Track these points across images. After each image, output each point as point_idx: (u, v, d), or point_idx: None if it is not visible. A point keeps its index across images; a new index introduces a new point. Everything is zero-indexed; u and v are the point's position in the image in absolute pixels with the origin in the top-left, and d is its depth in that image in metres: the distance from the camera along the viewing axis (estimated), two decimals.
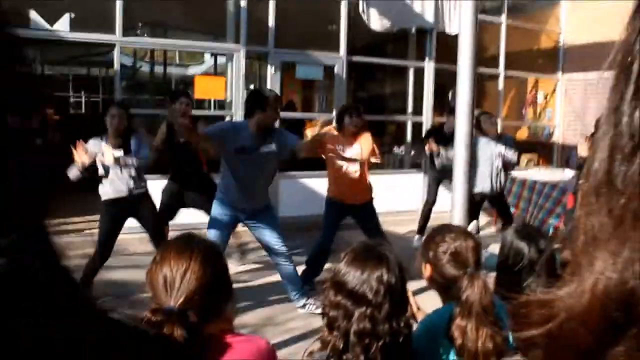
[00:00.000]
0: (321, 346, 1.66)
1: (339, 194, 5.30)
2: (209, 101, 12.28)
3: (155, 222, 5.12)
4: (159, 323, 1.40)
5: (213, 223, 4.73)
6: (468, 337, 1.78)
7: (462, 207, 3.63)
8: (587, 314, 0.42)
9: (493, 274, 2.36)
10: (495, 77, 9.75)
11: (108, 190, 4.87)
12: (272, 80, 7.92)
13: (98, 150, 4.77)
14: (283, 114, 8.42)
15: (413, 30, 8.95)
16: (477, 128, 6.53)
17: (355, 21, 8.12)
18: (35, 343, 0.38)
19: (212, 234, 4.60)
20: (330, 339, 1.62)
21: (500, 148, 6.41)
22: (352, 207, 5.31)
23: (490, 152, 6.40)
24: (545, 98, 10.58)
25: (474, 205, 6.61)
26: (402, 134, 9.56)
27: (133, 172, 4.86)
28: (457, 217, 3.62)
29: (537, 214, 7.63)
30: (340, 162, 5.24)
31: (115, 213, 4.89)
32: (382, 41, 10.49)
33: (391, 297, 1.62)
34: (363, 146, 5.23)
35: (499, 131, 7.17)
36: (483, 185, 6.40)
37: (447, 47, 7.96)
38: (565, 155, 9.97)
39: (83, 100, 16.06)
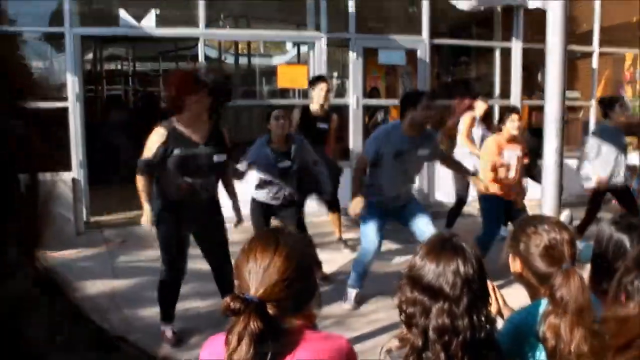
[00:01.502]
0: (399, 344, 1.60)
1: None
2: (293, 90, 12.38)
3: (300, 222, 5.13)
4: (237, 311, 1.42)
5: (366, 224, 4.71)
6: (562, 338, 1.66)
7: (553, 196, 3.42)
8: None
9: (587, 266, 2.20)
10: (588, 54, 9.20)
11: (263, 194, 4.89)
12: (354, 67, 7.85)
13: (263, 154, 4.74)
14: (366, 101, 8.41)
15: (498, 8, 8.60)
16: (605, 114, 6.19)
17: (437, 2, 7.88)
18: None
19: (367, 236, 4.67)
20: (409, 337, 1.56)
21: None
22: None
23: (616, 142, 6.04)
24: None
25: (596, 196, 6.27)
26: (489, 118, 9.21)
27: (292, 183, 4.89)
28: (548, 207, 3.42)
29: None
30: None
31: (263, 213, 4.95)
32: (466, 22, 10.17)
33: (469, 290, 1.54)
34: None
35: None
36: (605, 176, 6.05)
37: (535, 24, 7.57)
38: None
39: None
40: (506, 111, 5.52)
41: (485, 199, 5.45)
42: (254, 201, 5.02)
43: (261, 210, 4.98)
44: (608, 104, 6.19)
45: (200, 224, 4.07)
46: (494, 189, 5.29)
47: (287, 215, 4.98)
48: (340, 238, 6.25)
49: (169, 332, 4.08)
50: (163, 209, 3.96)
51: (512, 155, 5.33)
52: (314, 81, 6.02)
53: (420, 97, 4.54)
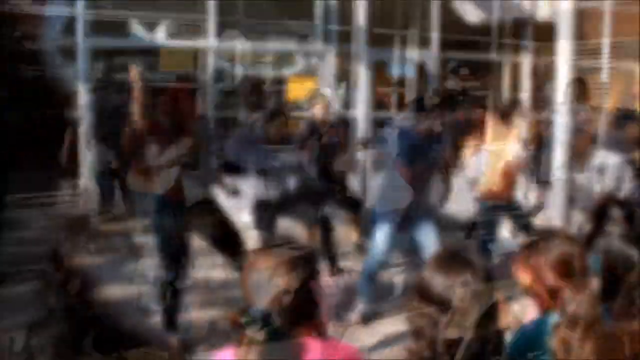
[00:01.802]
0: (408, 356, 1.60)
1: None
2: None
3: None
4: (243, 324, 1.42)
5: (377, 232, 4.67)
6: (572, 352, 1.64)
7: (562, 209, 3.42)
8: None
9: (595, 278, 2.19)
10: (598, 69, 9.17)
11: (262, 193, 5.03)
12: (363, 79, 7.87)
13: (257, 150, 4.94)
14: (377, 114, 8.41)
15: (508, 21, 8.63)
16: (617, 125, 6.15)
17: (447, 16, 7.92)
18: None
19: (376, 243, 4.65)
20: (417, 349, 1.56)
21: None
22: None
23: (624, 153, 5.99)
24: None
25: (602, 209, 6.21)
26: None
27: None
28: (557, 220, 3.41)
29: None
30: None
31: (268, 210, 5.06)
32: (475, 35, 10.21)
33: (478, 303, 1.53)
34: None
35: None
36: (611, 186, 6.00)
37: (545, 38, 7.58)
38: None
39: None
40: (513, 108, 5.43)
41: (483, 202, 5.33)
42: (256, 205, 5.08)
43: (264, 207, 5.06)
44: (622, 117, 6.16)
45: (198, 217, 4.22)
46: (496, 188, 5.16)
47: (295, 208, 5.08)
48: (357, 244, 6.28)
49: (174, 341, 4.07)
50: (158, 211, 4.04)
51: (513, 151, 5.21)
52: (313, 100, 6.12)
53: (432, 102, 4.53)
